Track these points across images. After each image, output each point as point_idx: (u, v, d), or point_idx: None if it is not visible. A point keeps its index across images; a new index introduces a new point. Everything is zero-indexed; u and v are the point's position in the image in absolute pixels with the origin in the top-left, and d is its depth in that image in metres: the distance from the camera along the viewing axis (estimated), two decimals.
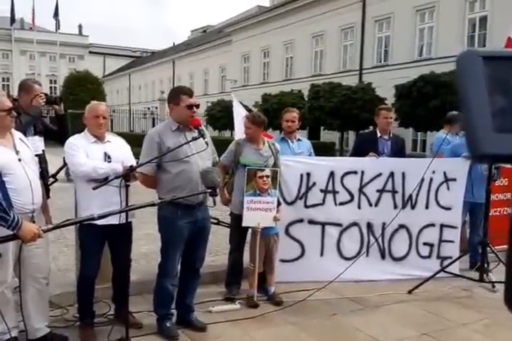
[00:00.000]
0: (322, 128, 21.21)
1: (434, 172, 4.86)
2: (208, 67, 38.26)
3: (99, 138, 3.41)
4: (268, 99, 21.32)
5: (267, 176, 4.02)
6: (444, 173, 4.97)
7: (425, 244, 4.95)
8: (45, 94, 3.93)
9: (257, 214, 4.03)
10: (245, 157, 4.17)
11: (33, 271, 3.06)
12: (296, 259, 4.69)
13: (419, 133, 19.24)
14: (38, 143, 3.84)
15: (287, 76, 28.32)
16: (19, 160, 2.96)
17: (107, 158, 3.35)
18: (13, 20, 39.63)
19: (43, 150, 3.96)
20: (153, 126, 19.03)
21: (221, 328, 3.62)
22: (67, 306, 3.79)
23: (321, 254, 4.75)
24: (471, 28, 18.72)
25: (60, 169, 4.00)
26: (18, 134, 3.13)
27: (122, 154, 3.46)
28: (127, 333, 3.09)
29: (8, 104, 2.96)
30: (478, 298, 4.42)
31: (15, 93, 3.41)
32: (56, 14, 35.86)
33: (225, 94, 31.42)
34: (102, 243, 3.43)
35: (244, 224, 4.07)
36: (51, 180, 4.05)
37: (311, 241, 4.71)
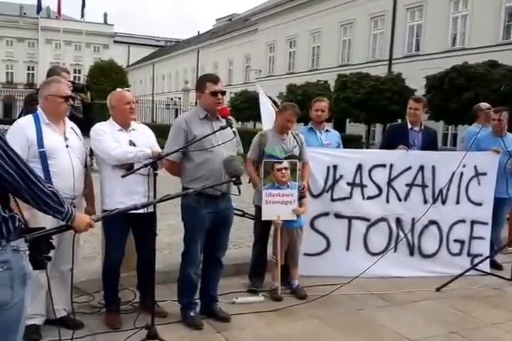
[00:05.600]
0: (348, 120, 20.95)
1: (464, 166, 4.73)
2: (232, 56, 38.17)
3: (124, 127, 3.43)
4: (293, 90, 21.12)
5: (286, 168, 3.95)
6: (475, 167, 4.85)
7: (456, 240, 4.84)
8: (72, 82, 3.91)
9: (277, 207, 3.98)
10: (270, 147, 4.12)
11: (57, 258, 3.06)
12: (321, 253, 4.63)
13: (450, 126, 18.86)
14: None
15: (313, 66, 28.03)
16: (66, 146, 3.08)
17: (132, 146, 3.37)
18: (39, 8, 40.13)
19: None
20: (176, 117, 19.18)
21: (245, 319, 3.62)
22: (93, 293, 3.84)
23: (347, 249, 4.68)
24: (507, 17, 18.15)
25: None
26: (70, 123, 3.26)
27: (147, 142, 3.48)
28: (152, 321, 3.11)
29: (67, 91, 3.13)
30: (510, 298, 4.31)
31: (40, 81, 3.45)
32: (83, 4, 36.21)
33: (249, 84, 31.32)
34: (126, 232, 3.47)
35: (263, 218, 4.04)
36: None
37: (337, 235, 4.65)
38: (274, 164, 3.97)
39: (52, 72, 3.98)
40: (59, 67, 4.27)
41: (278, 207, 3.99)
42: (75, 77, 51.49)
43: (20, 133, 2.97)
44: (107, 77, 30.56)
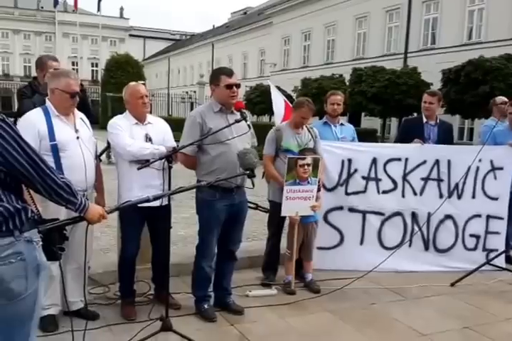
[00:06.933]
0: (363, 114, 20.80)
1: (480, 160, 4.68)
2: (247, 50, 38.07)
3: (140, 120, 3.45)
4: (307, 84, 21.01)
5: (308, 164, 3.93)
6: (491, 162, 4.80)
7: (471, 235, 4.79)
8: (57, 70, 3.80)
9: (296, 203, 3.97)
10: (287, 142, 4.12)
11: (74, 251, 3.10)
12: (335, 247, 4.62)
13: (466, 120, 18.63)
14: None
15: (328, 60, 27.85)
16: (77, 138, 3.08)
17: (148, 139, 3.39)
18: (56, 2, 40.42)
19: None
20: (192, 110, 19.18)
21: (258, 312, 3.63)
22: (109, 284, 3.89)
23: (361, 243, 4.67)
24: None
25: (104, 151, 4.04)
26: (79, 114, 3.24)
27: (163, 136, 3.50)
28: (167, 313, 3.15)
29: (75, 88, 3.07)
30: None
31: None
32: None
33: (263, 78, 31.24)
34: (142, 224, 3.50)
35: (283, 214, 4.03)
36: None
37: (351, 229, 4.63)
38: (297, 160, 3.95)
39: (40, 60, 3.91)
40: (47, 55, 4.12)
41: (297, 203, 3.97)
42: (92, 70, 51.99)
43: (31, 127, 2.94)
44: (123, 71, 30.62)
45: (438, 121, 4.99)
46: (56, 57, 4.06)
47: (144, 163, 3.21)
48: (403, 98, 16.69)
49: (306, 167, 3.93)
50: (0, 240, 1.79)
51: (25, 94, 3.86)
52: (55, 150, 2.97)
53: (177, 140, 3.53)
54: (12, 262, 1.80)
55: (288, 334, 3.34)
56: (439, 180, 4.73)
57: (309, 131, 4.21)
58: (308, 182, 4.00)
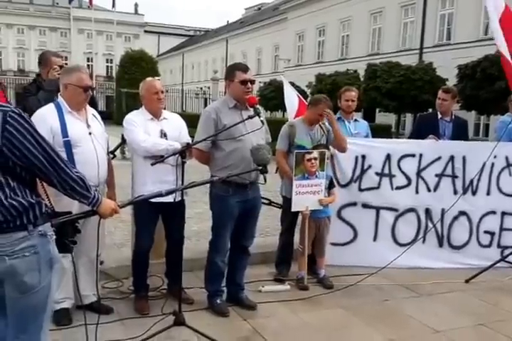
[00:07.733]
0: (378, 110, 20.66)
1: (495, 156, 4.63)
2: (261, 46, 38.00)
3: (156, 116, 3.46)
4: (322, 80, 20.92)
5: (315, 158, 3.95)
6: (506, 158, 4.75)
7: (486, 232, 4.74)
8: (61, 67, 3.71)
9: (305, 197, 3.98)
10: (300, 138, 4.11)
11: (86, 245, 3.12)
12: (348, 243, 4.62)
13: (482, 116, 18.42)
14: None
15: (343, 55, 27.69)
16: (90, 133, 3.09)
17: (163, 135, 3.40)
18: None
19: None
20: (205, 106, 19.27)
21: (270, 308, 3.64)
22: (122, 279, 3.93)
23: (374, 239, 4.65)
24: None
25: (118, 146, 4.05)
26: (91, 110, 3.26)
27: (178, 131, 3.51)
28: (180, 307, 3.17)
29: (87, 82, 3.09)
30: None
31: None
32: None
33: (277, 74, 31.14)
34: (156, 219, 3.52)
35: (293, 209, 4.04)
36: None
37: (365, 225, 4.62)
38: (304, 154, 3.96)
39: (43, 56, 3.92)
40: (50, 51, 4.16)
41: (307, 197, 3.99)
42: (107, 66, 52.30)
43: (44, 123, 2.92)
44: (137, 67, 30.73)
45: (453, 117, 4.96)
46: (59, 53, 4.07)
47: (158, 158, 3.23)
48: (418, 94, 16.54)
49: (313, 161, 3.94)
50: (14, 234, 1.82)
51: (29, 91, 3.87)
52: (68, 146, 2.98)
53: (191, 136, 3.54)
54: (26, 255, 1.83)
55: (301, 330, 3.35)
56: (454, 177, 4.69)
57: (321, 127, 4.21)
58: (316, 177, 4.01)
